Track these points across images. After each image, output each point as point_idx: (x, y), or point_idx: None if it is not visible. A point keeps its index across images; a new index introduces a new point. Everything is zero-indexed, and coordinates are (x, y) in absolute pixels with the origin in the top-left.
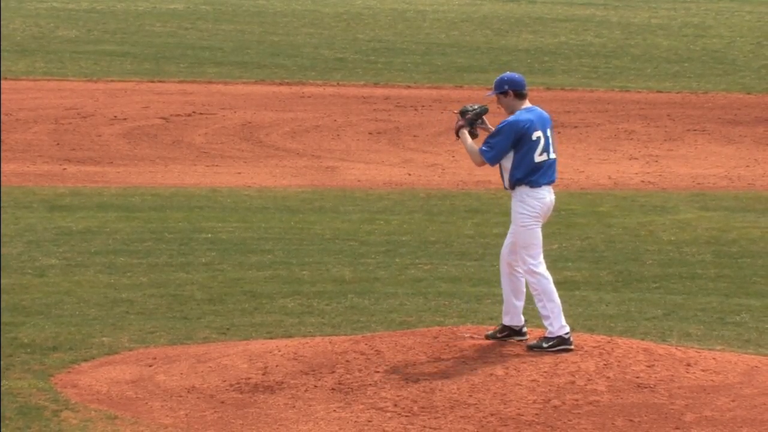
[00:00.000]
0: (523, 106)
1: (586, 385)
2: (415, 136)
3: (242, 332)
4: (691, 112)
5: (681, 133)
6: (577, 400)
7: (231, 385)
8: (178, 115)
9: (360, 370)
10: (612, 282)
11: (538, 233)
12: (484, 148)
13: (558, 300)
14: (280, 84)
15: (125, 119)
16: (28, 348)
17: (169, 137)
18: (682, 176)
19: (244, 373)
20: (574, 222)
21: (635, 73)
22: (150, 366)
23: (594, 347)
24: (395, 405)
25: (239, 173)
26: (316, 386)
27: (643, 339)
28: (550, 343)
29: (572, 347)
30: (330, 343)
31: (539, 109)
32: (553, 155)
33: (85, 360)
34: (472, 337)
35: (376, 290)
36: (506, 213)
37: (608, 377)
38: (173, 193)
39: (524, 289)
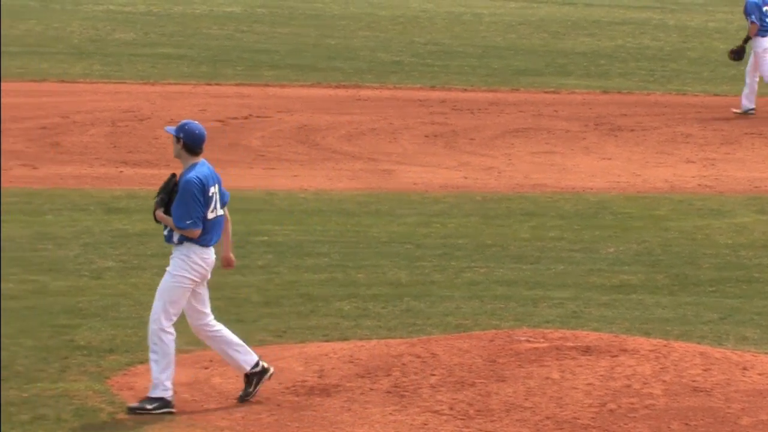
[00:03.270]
0: (195, 162)
1: (642, 388)
2: (471, 139)
3: (298, 335)
4: (748, 116)
5: (738, 137)
6: (633, 403)
7: (287, 388)
8: (235, 118)
9: (416, 373)
10: (668, 285)
11: (188, 294)
12: (183, 223)
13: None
14: (337, 87)
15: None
16: (85, 350)
17: (226, 140)
18: (739, 180)
19: (300, 375)
20: (630, 225)
21: (692, 76)
22: (206, 368)
23: (650, 351)
24: (451, 408)
25: (296, 176)
26: (371, 389)
27: (699, 343)
28: (154, 405)
29: (174, 410)
30: (386, 346)
31: (210, 166)
32: (220, 213)
33: (141, 362)
34: (528, 341)
35: (432, 293)
36: (564, 217)
37: (664, 381)
38: (230, 196)
39: (233, 337)
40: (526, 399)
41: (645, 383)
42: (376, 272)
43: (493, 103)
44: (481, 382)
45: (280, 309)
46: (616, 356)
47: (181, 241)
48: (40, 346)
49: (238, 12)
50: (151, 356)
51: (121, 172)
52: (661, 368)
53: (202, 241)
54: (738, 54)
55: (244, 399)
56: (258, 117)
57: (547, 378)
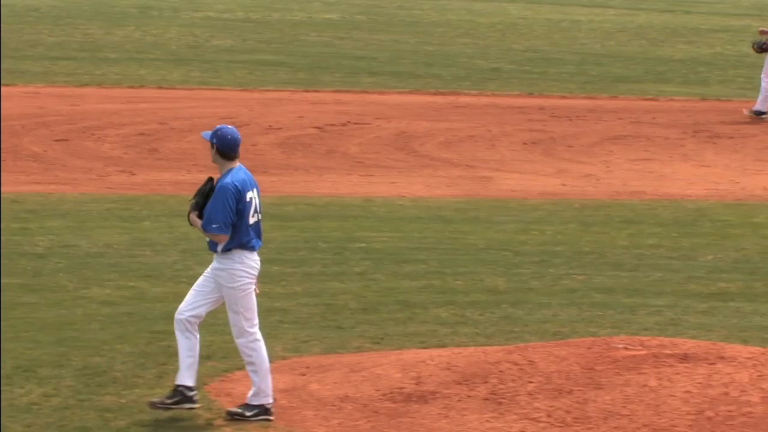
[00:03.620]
0: (231, 167)
1: (740, 396)
2: (569, 146)
3: (395, 342)
4: None
5: None
6: (730, 411)
7: (384, 395)
8: (333, 124)
9: (513, 381)
10: (767, 293)
11: (253, 294)
12: (210, 227)
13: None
14: (435, 94)
15: (280, 129)
16: None
17: (324, 147)
18: None
19: (397, 382)
20: (729, 233)
21: None
22: (303, 375)
23: (748, 358)
24: (548, 415)
25: (393, 183)
26: (469, 396)
27: None
28: (253, 412)
29: (272, 418)
30: (483, 353)
31: (247, 171)
32: (260, 217)
33: (239, 368)
34: (626, 348)
35: (529, 300)
36: (662, 224)
37: (762, 389)
38: (327, 203)
39: (197, 348)
40: (624, 406)
41: (743, 391)
42: (473, 279)
43: (592, 110)
44: (578, 390)
45: (378, 316)
46: (713, 364)
47: (228, 249)
48: (138, 352)
49: (336, 19)
50: (249, 368)
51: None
52: (759, 376)
53: (249, 246)
54: (762, 47)
55: (155, 404)
56: (356, 124)
57: (645, 386)
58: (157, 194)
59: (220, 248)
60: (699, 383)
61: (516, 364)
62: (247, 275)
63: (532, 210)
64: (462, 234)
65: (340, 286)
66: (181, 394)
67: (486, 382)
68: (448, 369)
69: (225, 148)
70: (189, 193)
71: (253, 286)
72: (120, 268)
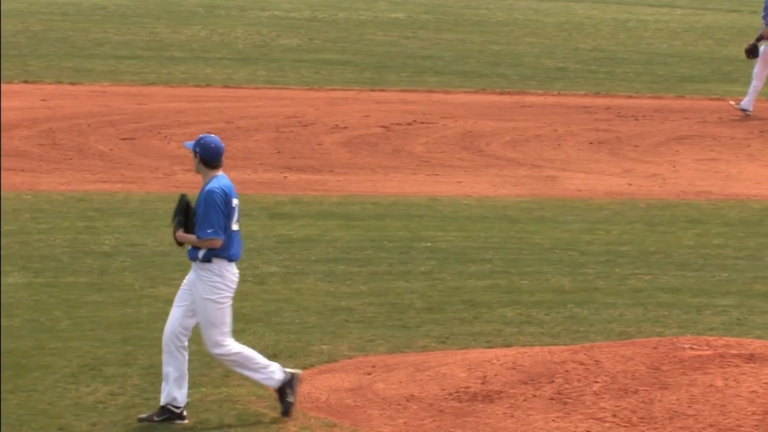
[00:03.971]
0: (214, 175)
1: None
2: (636, 145)
3: (461, 341)
4: None
5: None
6: None
7: (450, 394)
8: (399, 124)
9: (579, 380)
10: None
11: (230, 309)
12: (205, 233)
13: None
14: (501, 93)
15: (346, 128)
16: None
17: (390, 146)
18: None
19: (462, 381)
20: None
21: None
22: (369, 374)
23: None
24: (614, 415)
25: (459, 182)
26: (534, 396)
27: None
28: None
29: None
30: (549, 352)
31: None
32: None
33: (305, 367)
34: (691, 348)
35: (595, 300)
36: (728, 224)
37: None
38: (393, 202)
39: (185, 366)
40: (690, 406)
41: None
42: (539, 279)
43: (658, 110)
44: (644, 390)
45: (444, 315)
46: None
47: (208, 259)
48: (203, 351)
49: (402, 18)
50: (242, 372)
51: (285, 177)
52: None
53: (230, 256)
54: (752, 52)
55: (142, 419)
56: (422, 123)
57: (711, 386)
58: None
59: (201, 255)
60: (765, 383)
61: (582, 363)
62: (226, 288)
63: (598, 210)
64: (528, 233)
65: (406, 286)
66: (169, 412)
67: (552, 382)
68: (514, 368)
69: (208, 157)
70: (254, 193)
71: (231, 301)
72: (186, 266)
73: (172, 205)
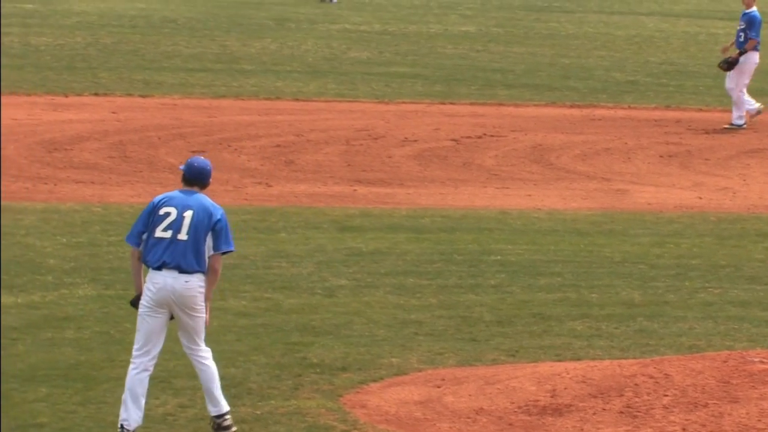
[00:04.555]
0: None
1: None
2: (706, 159)
3: (531, 354)
4: None
5: None
6: None
7: (519, 407)
8: (469, 137)
9: (648, 394)
10: None
11: (148, 321)
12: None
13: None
14: (571, 106)
15: (416, 141)
16: (318, 368)
17: (460, 159)
18: None
19: (532, 395)
20: None
21: None
22: (438, 387)
23: None
24: (683, 429)
25: (529, 195)
26: (604, 409)
27: None
28: None
29: None
30: (619, 366)
31: (201, 197)
32: (182, 237)
33: (374, 380)
34: (762, 362)
35: (665, 314)
36: None
37: None
38: (463, 215)
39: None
40: (759, 420)
41: None
42: (609, 292)
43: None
44: (714, 403)
45: (513, 328)
46: None
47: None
48: (273, 364)
49: (472, 31)
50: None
51: (354, 190)
52: None
53: (146, 261)
54: (732, 65)
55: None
56: (492, 136)
57: None
58: (293, 206)
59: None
60: None
61: (651, 377)
62: (146, 295)
63: (668, 223)
64: (597, 247)
65: (475, 299)
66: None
67: (621, 396)
68: (584, 382)
69: (185, 173)
70: (324, 206)
71: (146, 313)
72: (256, 279)
73: (244, 217)
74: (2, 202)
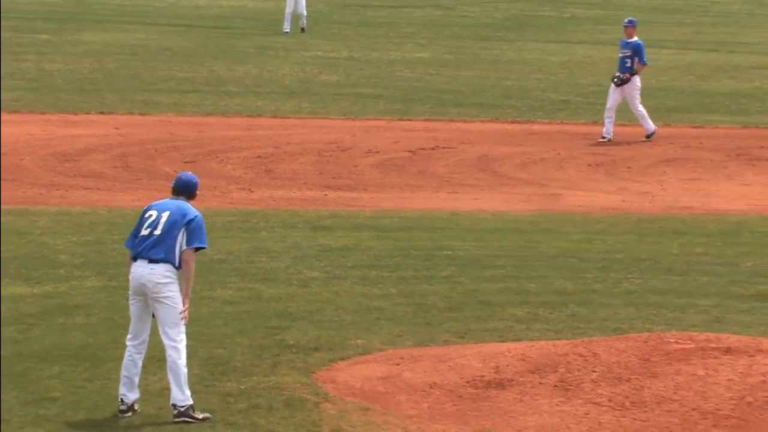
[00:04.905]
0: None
1: None
2: (628, 167)
3: (477, 336)
4: None
5: None
6: None
7: (467, 382)
8: (423, 148)
9: (579, 370)
10: None
11: (134, 307)
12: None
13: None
14: (512, 122)
15: (378, 152)
16: (293, 348)
17: (415, 168)
18: None
19: (478, 371)
20: (766, 242)
21: None
22: (397, 365)
23: None
24: (609, 400)
25: (476, 199)
26: (541, 383)
27: None
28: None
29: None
30: (553, 346)
31: (181, 202)
32: (156, 232)
33: (342, 359)
34: (677, 342)
35: (593, 301)
36: (708, 235)
37: None
38: (419, 216)
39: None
40: (675, 393)
41: None
42: (545, 282)
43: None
44: (635, 378)
45: (462, 314)
46: (753, 356)
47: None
48: (255, 345)
49: (426, 57)
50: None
51: (325, 195)
52: None
53: (134, 252)
54: (624, 82)
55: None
56: (443, 148)
57: (693, 374)
58: (272, 209)
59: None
60: (740, 373)
61: (581, 355)
62: (130, 283)
63: (596, 222)
64: (535, 243)
65: (429, 288)
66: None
67: (555, 371)
68: (523, 360)
69: (174, 184)
70: (299, 208)
71: (133, 298)
72: (240, 272)
73: (230, 218)
74: (20, 207)
